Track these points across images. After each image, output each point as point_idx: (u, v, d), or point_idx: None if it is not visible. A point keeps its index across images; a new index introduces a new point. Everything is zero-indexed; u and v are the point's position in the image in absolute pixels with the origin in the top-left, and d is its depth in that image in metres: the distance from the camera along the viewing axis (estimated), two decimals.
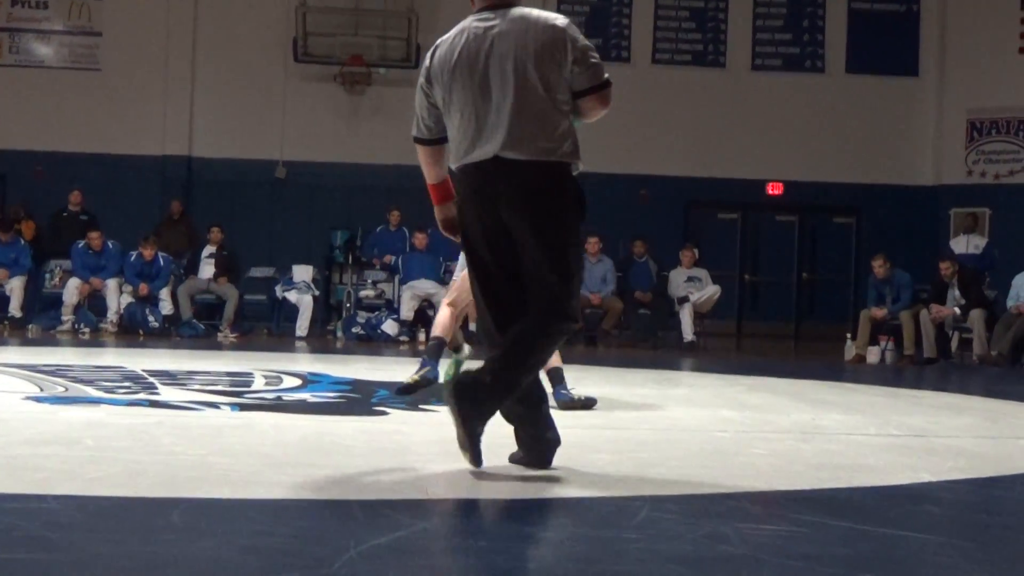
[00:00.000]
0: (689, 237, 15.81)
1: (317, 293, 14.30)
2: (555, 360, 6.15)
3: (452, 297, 6.81)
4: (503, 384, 3.96)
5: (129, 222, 14.87)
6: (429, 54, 4.22)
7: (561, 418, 5.85)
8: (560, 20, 4.11)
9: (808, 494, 3.93)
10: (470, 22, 4.15)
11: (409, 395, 6.57)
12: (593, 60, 4.09)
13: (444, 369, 6.70)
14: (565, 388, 6.24)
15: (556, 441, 4.19)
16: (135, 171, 16.21)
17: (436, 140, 4.24)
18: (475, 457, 3.94)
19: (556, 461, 4.18)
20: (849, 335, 13.29)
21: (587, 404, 6.26)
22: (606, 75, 4.12)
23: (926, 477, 4.38)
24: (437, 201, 4.32)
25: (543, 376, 6.16)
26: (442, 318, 6.79)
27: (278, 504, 3.49)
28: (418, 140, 4.28)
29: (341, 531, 3.08)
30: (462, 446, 3.93)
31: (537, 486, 3.93)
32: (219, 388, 6.97)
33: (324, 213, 16.05)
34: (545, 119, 4.02)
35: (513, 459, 4.19)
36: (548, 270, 4.03)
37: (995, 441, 5.79)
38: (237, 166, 16.31)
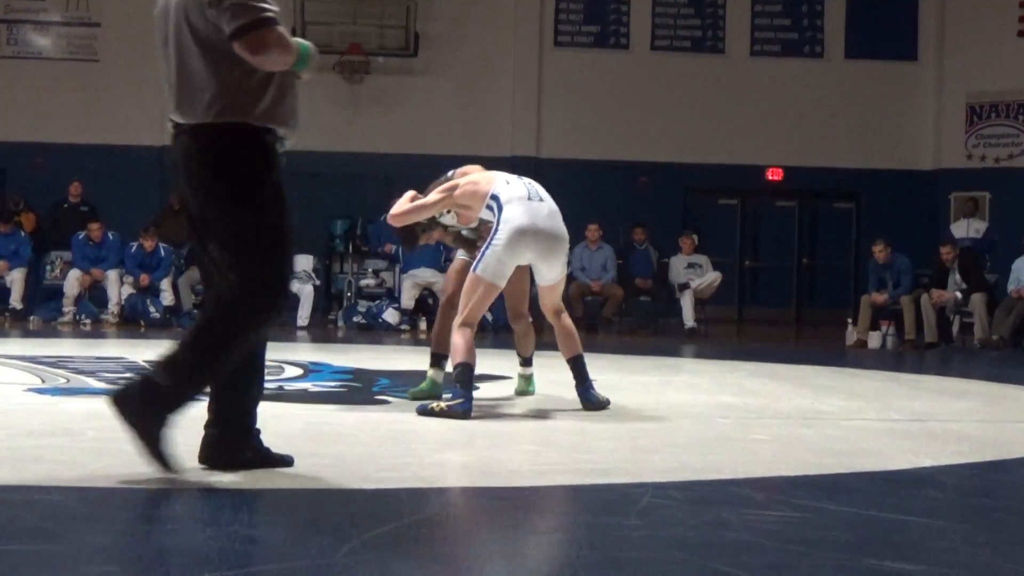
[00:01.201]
0: (689, 223, 15.78)
1: (318, 282, 14.28)
2: (575, 347, 5.72)
3: (463, 316, 5.54)
4: (182, 385, 3.57)
5: (129, 213, 14.83)
6: None
7: (561, 406, 5.87)
8: None
9: (810, 479, 3.93)
10: None
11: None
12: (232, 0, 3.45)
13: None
14: (592, 388, 5.72)
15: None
16: (134, 162, 16.16)
17: None
18: (165, 463, 3.50)
19: (556, 449, 4.17)
20: (850, 320, 13.28)
21: (605, 404, 5.75)
22: (260, 16, 3.47)
23: (927, 462, 4.39)
24: None
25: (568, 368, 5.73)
26: (459, 342, 5.47)
27: (281, 494, 3.49)
28: None
29: (344, 520, 3.08)
30: (147, 457, 3.51)
31: (539, 474, 3.93)
32: None
33: (324, 202, 16.00)
34: (201, 76, 3.55)
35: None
36: (214, 247, 3.65)
37: (996, 425, 5.79)
38: None
